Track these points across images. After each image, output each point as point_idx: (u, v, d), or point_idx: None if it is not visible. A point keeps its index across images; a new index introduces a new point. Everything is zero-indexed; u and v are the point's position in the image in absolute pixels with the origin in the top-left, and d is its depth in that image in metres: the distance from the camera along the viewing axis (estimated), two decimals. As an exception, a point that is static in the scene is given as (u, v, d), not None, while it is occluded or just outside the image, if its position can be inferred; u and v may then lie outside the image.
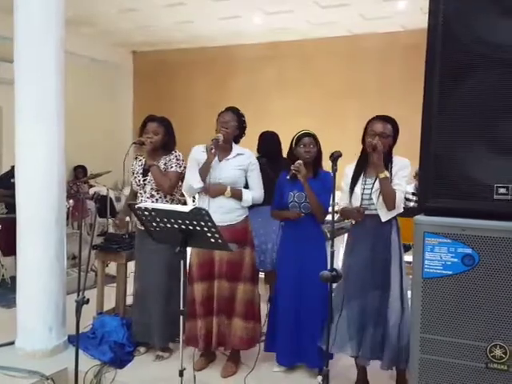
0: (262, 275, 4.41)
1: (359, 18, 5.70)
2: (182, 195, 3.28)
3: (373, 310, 2.47)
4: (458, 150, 1.58)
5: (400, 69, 5.72)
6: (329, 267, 2.10)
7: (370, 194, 2.47)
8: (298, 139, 2.76)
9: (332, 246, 2.17)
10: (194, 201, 2.99)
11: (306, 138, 2.75)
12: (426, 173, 1.63)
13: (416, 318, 1.61)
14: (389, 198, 2.40)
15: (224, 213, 2.71)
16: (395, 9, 5.29)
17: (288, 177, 2.71)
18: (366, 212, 2.48)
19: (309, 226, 2.76)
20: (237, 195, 2.76)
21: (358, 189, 2.52)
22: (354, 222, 2.66)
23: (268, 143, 3.82)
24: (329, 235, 3.96)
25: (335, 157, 2.22)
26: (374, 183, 2.47)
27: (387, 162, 2.46)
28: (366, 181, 2.51)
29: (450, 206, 1.60)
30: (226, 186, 2.73)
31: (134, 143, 2.94)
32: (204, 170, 2.72)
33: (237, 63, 7.09)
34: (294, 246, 2.78)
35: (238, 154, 2.81)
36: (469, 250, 1.54)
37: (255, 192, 2.82)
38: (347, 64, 6.40)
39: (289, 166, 2.71)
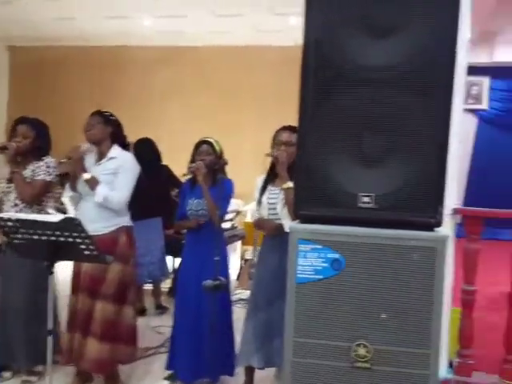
0: (149, 287, 4.37)
1: (253, 30, 5.83)
2: (62, 203, 3.11)
3: (280, 321, 2.47)
4: (328, 161, 1.66)
5: (295, 82, 5.88)
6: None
7: (275, 204, 2.52)
8: (196, 147, 2.76)
9: (218, 254, 2.19)
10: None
11: (204, 146, 2.74)
12: (301, 182, 1.71)
13: (289, 323, 1.67)
14: (292, 208, 2.39)
15: (88, 221, 2.56)
16: (287, 24, 5.47)
17: (187, 176, 2.70)
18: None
19: (209, 234, 2.71)
20: (93, 183, 2.61)
21: (265, 198, 2.57)
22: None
23: (143, 151, 3.75)
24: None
25: (221, 165, 2.25)
26: (279, 193, 2.51)
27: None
28: (272, 191, 2.56)
29: (321, 213, 1.69)
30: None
31: None
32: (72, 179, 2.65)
33: (127, 65, 6.90)
34: (195, 256, 2.75)
35: (111, 158, 2.70)
36: (337, 255, 1.63)
37: (115, 193, 2.63)
38: (244, 74, 6.52)
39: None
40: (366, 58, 1.59)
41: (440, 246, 1.63)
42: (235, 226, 5.05)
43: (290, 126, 2.51)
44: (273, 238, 2.54)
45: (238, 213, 5.06)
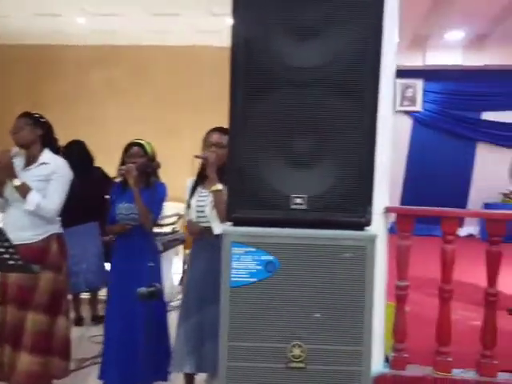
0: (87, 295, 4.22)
1: (191, 30, 5.79)
2: None
3: (212, 324, 2.43)
4: (260, 163, 1.66)
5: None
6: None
7: (204, 206, 2.48)
8: (126, 149, 2.67)
9: (152, 260, 2.14)
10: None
11: (134, 148, 2.67)
12: (233, 185, 1.69)
13: (224, 328, 1.66)
14: (221, 210, 2.33)
15: (17, 230, 2.46)
16: (225, 24, 5.43)
17: (117, 179, 2.62)
18: (203, 225, 2.47)
19: (140, 239, 2.65)
20: (24, 190, 2.49)
21: (194, 201, 2.52)
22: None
23: (74, 153, 3.62)
24: (162, 248, 3.93)
25: (153, 168, 2.20)
26: (208, 195, 2.48)
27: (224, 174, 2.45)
28: (201, 193, 2.52)
29: (255, 215, 1.68)
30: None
31: None
32: None
33: (63, 64, 6.68)
34: (125, 262, 2.66)
35: (43, 163, 2.59)
36: (271, 257, 1.63)
37: (47, 201, 2.52)
38: (182, 74, 6.45)
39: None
40: (293, 60, 1.60)
41: (369, 244, 1.67)
42: (176, 229, 4.98)
43: (220, 127, 2.50)
44: (201, 241, 2.50)
45: (179, 216, 4.99)
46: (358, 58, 1.59)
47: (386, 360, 2.56)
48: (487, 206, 8.54)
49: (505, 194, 8.44)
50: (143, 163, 2.55)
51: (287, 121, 1.63)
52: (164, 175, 2.73)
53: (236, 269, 1.64)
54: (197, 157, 2.43)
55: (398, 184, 8.95)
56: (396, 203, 8.85)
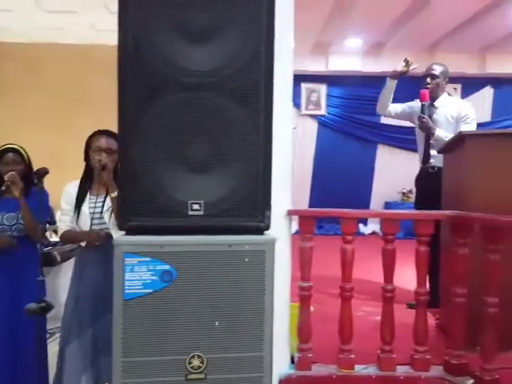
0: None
1: (90, 28, 5.54)
2: None
3: (108, 336, 2.32)
4: (156, 168, 1.60)
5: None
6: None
7: (101, 213, 2.35)
8: (0, 155, 2.47)
9: (42, 273, 1.99)
10: None
11: (10, 155, 2.48)
12: (126, 191, 1.61)
13: (117, 343, 1.57)
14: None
15: None
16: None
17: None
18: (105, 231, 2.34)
19: (26, 251, 2.47)
20: None
21: (85, 208, 2.37)
22: (83, 244, 2.42)
23: None
24: (59, 258, 3.67)
25: (41, 173, 2.06)
26: (104, 201, 2.36)
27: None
28: (94, 199, 2.38)
29: (150, 223, 1.61)
30: None
31: None
32: None
33: None
34: (7, 278, 2.45)
35: None
36: (167, 267, 1.57)
37: None
38: (79, 73, 6.13)
39: None
40: (186, 62, 1.55)
41: (269, 248, 1.66)
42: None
43: (106, 130, 2.41)
44: (94, 249, 2.35)
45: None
46: (252, 62, 1.58)
47: (292, 361, 2.58)
48: (387, 204, 9.02)
49: (403, 193, 8.95)
50: (23, 170, 2.37)
51: (182, 124, 1.58)
52: (59, 178, 2.56)
53: (129, 280, 1.56)
54: (97, 162, 2.32)
55: (306, 186, 9.20)
56: (305, 206, 9.10)
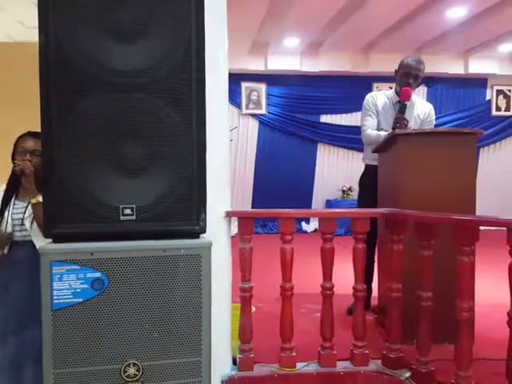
0: None
1: (18, 25, 5.28)
2: None
3: (33, 346, 2.19)
4: (86, 173, 1.54)
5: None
6: None
7: (22, 219, 2.23)
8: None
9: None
10: None
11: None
12: (52, 197, 1.54)
13: (47, 354, 1.50)
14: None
15: None
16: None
17: None
18: (20, 239, 2.22)
19: None
20: None
21: (9, 214, 2.24)
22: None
23: None
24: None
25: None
26: (26, 207, 2.24)
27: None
28: (20, 205, 2.26)
29: (79, 230, 1.55)
30: None
31: None
32: None
33: None
34: None
35: None
36: (98, 274, 1.51)
37: None
38: (8, 72, 5.83)
39: None
40: (114, 62, 1.50)
41: (205, 252, 1.64)
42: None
43: (35, 132, 2.29)
44: (17, 257, 2.23)
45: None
46: (182, 62, 1.55)
47: (235, 362, 2.57)
48: (328, 202, 9.19)
49: (343, 191, 9.15)
50: None
51: (112, 126, 1.53)
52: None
53: (58, 290, 1.49)
54: (14, 166, 2.20)
55: (249, 186, 9.23)
56: (248, 206, 9.12)
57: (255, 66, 8.54)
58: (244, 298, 2.53)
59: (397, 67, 3.63)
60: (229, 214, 2.42)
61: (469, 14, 6.79)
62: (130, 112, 1.53)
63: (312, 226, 8.94)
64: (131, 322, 1.55)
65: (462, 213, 2.37)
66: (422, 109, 3.63)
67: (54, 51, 1.44)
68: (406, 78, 3.50)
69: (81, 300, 1.50)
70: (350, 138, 8.84)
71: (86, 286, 1.50)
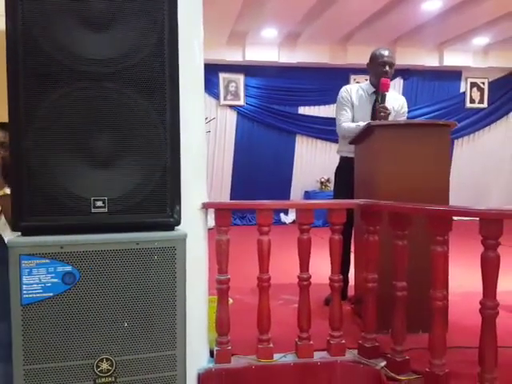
0: None
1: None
2: None
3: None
4: (55, 164, 1.50)
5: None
6: None
7: None
8: None
9: None
10: None
11: None
12: (20, 189, 1.49)
13: (17, 350, 1.46)
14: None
15: None
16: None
17: None
18: None
19: None
20: None
21: None
22: None
23: None
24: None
25: None
26: None
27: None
28: None
29: (49, 223, 1.51)
30: None
31: None
32: None
33: None
34: None
35: None
36: (69, 268, 1.48)
37: None
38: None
39: None
40: (85, 51, 1.46)
41: (179, 244, 1.62)
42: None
43: (3, 123, 2.22)
44: None
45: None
46: (155, 51, 1.52)
47: (212, 355, 2.56)
48: (307, 193, 9.23)
49: (321, 182, 9.19)
50: None
51: (82, 116, 1.49)
52: None
53: (27, 284, 1.45)
54: None
55: (228, 177, 9.20)
56: (227, 197, 9.10)
57: (233, 56, 8.49)
58: (221, 290, 2.51)
59: (368, 60, 3.66)
60: (205, 206, 2.40)
61: (444, 7, 6.85)
62: (100, 101, 1.49)
63: (290, 217, 8.97)
64: (104, 317, 1.52)
65: (436, 203, 2.40)
66: (396, 101, 3.67)
67: (22, 38, 1.39)
68: (383, 66, 3.55)
69: (51, 294, 1.47)
70: (328, 130, 8.85)
71: (56, 280, 1.47)
